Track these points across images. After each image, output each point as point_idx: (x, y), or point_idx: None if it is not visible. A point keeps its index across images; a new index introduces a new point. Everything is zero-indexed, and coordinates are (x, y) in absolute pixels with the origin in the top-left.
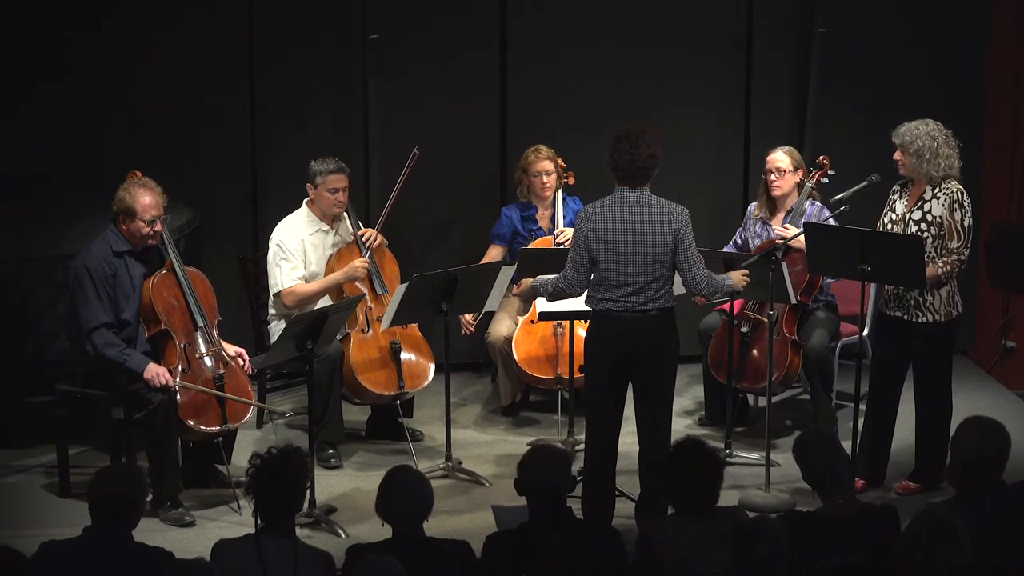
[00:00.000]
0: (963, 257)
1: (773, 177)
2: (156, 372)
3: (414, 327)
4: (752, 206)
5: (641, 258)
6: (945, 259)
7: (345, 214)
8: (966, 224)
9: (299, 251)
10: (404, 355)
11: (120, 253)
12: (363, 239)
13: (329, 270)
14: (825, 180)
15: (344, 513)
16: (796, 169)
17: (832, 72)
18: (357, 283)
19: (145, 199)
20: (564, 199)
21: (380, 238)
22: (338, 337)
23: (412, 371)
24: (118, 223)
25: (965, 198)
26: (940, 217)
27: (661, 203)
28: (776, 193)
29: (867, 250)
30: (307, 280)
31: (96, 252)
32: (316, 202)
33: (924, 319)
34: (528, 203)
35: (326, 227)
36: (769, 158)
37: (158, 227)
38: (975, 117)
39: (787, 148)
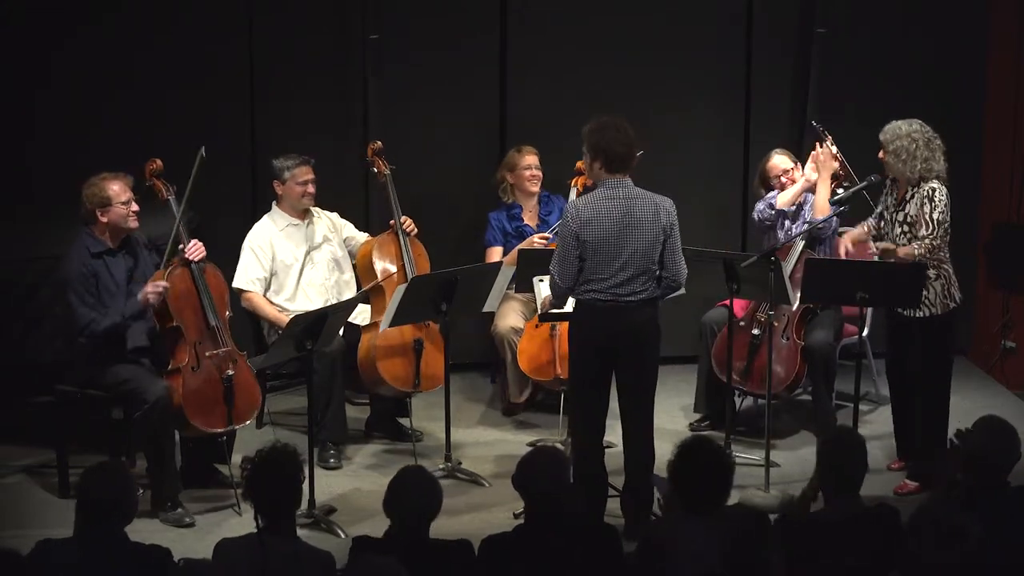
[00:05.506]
0: (934, 245)
1: (784, 180)
2: (147, 291)
3: (436, 328)
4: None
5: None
6: (916, 243)
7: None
8: (935, 217)
9: (265, 249)
10: (425, 355)
11: (98, 254)
12: (404, 226)
13: (365, 253)
14: (834, 149)
15: (344, 513)
16: (795, 163)
17: (832, 72)
18: (390, 269)
19: (113, 185)
20: (548, 197)
21: (414, 227)
22: (363, 324)
23: (430, 372)
24: (94, 222)
25: (936, 195)
26: (915, 216)
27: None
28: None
29: (868, 281)
30: (270, 277)
31: (74, 257)
32: (285, 198)
33: (921, 314)
34: (512, 204)
35: (297, 221)
36: (770, 165)
37: (135, 207)
38: (975, 117)
39: (777, 150)
